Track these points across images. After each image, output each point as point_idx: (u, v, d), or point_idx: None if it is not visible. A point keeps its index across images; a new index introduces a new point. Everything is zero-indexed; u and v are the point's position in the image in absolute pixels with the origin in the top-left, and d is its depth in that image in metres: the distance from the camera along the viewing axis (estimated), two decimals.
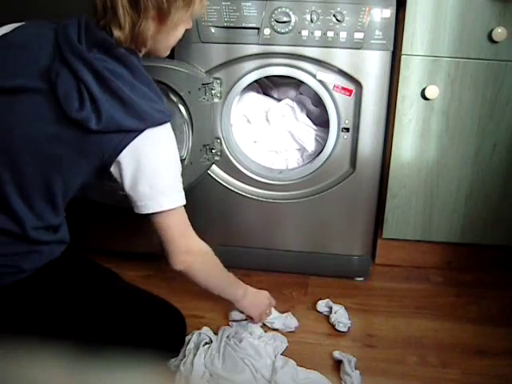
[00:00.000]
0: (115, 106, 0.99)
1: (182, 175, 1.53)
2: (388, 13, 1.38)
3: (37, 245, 1.05)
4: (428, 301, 1.57)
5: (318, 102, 1.57)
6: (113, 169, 1.03)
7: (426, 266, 1.71)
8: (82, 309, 1.11)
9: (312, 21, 1.40)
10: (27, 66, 1.01)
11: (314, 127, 1.64)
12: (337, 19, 1.39)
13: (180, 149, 1.50)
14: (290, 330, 1.42)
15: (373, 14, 1.38)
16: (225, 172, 1.59)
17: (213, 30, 1.44)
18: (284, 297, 1.58)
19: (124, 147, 1.00)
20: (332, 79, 1.46)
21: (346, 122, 1.50)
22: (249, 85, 1.52)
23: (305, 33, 1.41)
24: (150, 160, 1.03)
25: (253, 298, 1.31)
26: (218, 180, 1.59)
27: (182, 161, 1.51)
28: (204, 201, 1.63)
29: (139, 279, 1.61)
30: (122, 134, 1.00)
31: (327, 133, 1.53)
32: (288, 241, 1.65)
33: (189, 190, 1.57)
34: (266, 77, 1.56)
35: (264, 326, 1.42)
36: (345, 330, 1.43)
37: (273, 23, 1.41)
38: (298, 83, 1.63)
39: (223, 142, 1.56)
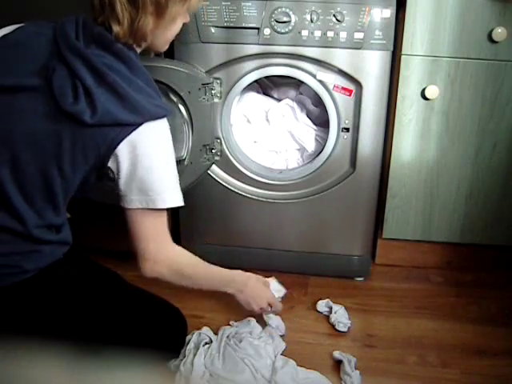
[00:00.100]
0: (111, 100, 0.99)
1: (181, 175, 1.54)
2: (388, 13, 1.38)
3: (39, 244, 1.05)
4: (428, 301, 1.57)
5: (318, 102, 1.57)
6: (110, 163, 1.04)
7: (426, 266, 1.71)
8: (83, 309, 1.11)
9: (312, 21, 1.40)
10: (26, 64, 1.02)
11: (314, 127, 1.64)
12: (337, 19, 1.39)
13: (180, 149, 1.50)
14: (280, 333, 1.40)
15: (373, 13, 1.38)
16: (225, 172, 1.59)
17: (213, 29, 1.44)
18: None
19: (121, 141, 1.00)
20: (332, 79, 1.46)
21: (346, 122, 1.50)
22: (249, 85, 1.52)
23: (305, 33, 1.41)
24: (146, 155, 1.03)
25: (250, 292, 1.29)
26: (218, 180, 1.59)
27: (182, 161, 1.51)
28: (204, 201, 1.63)
29: (139, 279, 1.60)
30: (119, 127, 1.00)
31: (327, 133, 1.53)
32: (288, 241, 1.65)
33: (189, 190, 1.58)
34: (266, 77, 1.56)
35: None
36: (345, 330, 1.43)
37: (273, 23, 1.41)
38: (297, 83, 1.63)
39: (223, 142, 1.56)
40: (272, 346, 1.32)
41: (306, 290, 1.61)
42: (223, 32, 1.44)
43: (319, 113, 1.63)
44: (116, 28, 1.02)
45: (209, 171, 1.58)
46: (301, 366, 1.27)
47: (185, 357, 1.28)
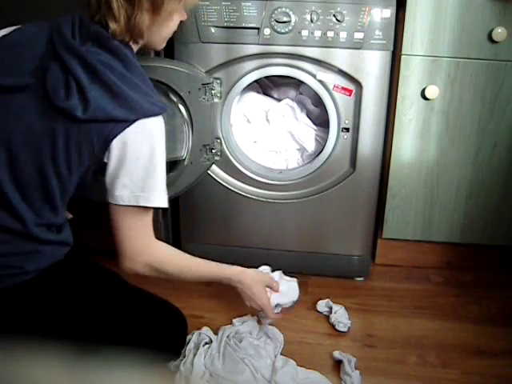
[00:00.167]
0: (104, 96, 0.99)
1: (181, 175, 1.54)
2: (388, 13, 1.38)
3: (39, 244, 1.05)
4: (428, 301, 1.57)
5: (318, 102, 1.57)
6: (105, 159, 1.04)
7: (426, 266, 1.71)
8: (84, 310, 1.11)
9: (312, 21, 1.40)
10: (24, 64, 1.03)
11: (314, 127, 1.64)
12: (337, 19, 1.39)
13: (180, 149, 1.50)
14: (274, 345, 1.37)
15: (373, 13, 1.38)
16: (225, 172, 1.59)
17: (213, 30, 1.44)
18: None
19: (114, 137, 1.01)
20: (332, 79, 1.46)
21: (346, 122, 1.50)
22: (249, 85, 1.52)
23: (305, 33, 1.41)
24: (136, 152, 1.02)
25: (245, 289, 1.29)
26: (218, 180, 1.59)
27: (182, 161, 1.51)
28: (204, 201, 1.63)
29: (139, 279, 1.61)
30: (112, 123, 1.00)
31: (327, 133, 1.53)
32: (288, 241, 1.65)
33: (189, 190, 1.59)
34: (266, 77, 1.56)
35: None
36: (345, 330, 1.43)
37: (273, 23, 1.41)
38: (297, 83, 1.63)
39: (223, 142, 1.56)
40: (272, 346, 1.32)
41: (306, 290, 1.61)
42: (223, 32, 1.44)
43: (319, 113, 1.63)
44: (113, 25, 1.02)
45: (209, 171, 1.58)
46: (301, 366, 1.27)
47: (185, 357, 1.28)
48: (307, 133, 1.63)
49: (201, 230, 1.69)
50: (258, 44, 1.44)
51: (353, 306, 1.53)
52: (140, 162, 1.03)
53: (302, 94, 1.68)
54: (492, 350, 1.37)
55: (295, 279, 1.41)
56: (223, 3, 1.41)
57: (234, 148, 1.58)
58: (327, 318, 1.48)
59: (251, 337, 1.33)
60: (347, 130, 1.50)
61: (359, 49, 1.41)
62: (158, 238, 1.75)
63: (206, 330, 1.36)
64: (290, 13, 1.40)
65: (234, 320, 1.42)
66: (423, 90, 1.46)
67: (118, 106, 1.00)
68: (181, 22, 1.16)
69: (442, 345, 1.39)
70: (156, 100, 1.06)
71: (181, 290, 1.61)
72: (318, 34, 1.41)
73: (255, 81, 1.53)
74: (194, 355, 1.27)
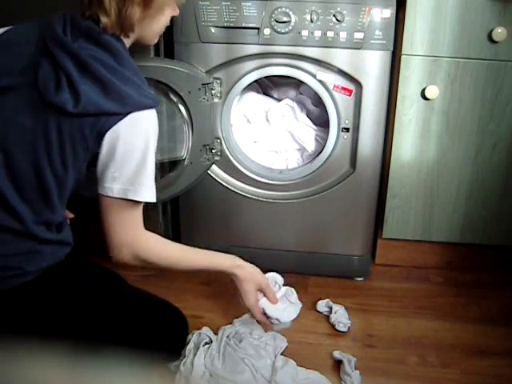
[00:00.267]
0: (95, 90, 0.99)
1: (181, 175, 1.54)
2: (388, 13, 1.38)
3: (39, 243, 1.05)
4: (428, 301, 1.57)
5: (318, 102, 1.57)
6: (99, 152, 1.04)
7: (426, 266, 1.71)
8: (84, 310, 1.11)
9: (312, 21, 1.40)
10: (15, 63, 1.03)
11: (314, 127, 1.64)
12: (337, 19, 1.39)
13: (180, 149, 1.50)
14: (282, 324, 1.37)
15: (373, 14, 1.38)
16: (225, 172, 1.59)
17: (213, 30, 1.44)
18: None
19: (107, 130, 1.01)
20: (332, 79, 1.46)
21: (346, 122, 1.50)
22: (249, 85, 1.52)
23: (305, 33, 1.41)
24: (128, 145, 1.03)
25: (237, 282, 1.30)
26: (218, 180, 1.59)
27: (182, 161, 1.51)
28: (204, 201, 1.63)
29: (139, 279, 1.61)
30: (105, 117, 1.00)
31: (327, 133, 1.53)
32: (288, 241, 1.65)
33: (189, 190, 1.59)
34: (266, 77, 1.56)
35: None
36: (345, 330, 1.43)
37: (273, 23, 1.41)
38: (297, 83, 1.63)
39: (223, 142, 1.56)
40: (272, 346, 1.32)
41: (306, 290, 1.61)
42: (223, 32, 1.44)
43: (319, 113, 1.63)
44: (104, 19, 1.03)
45: (209, 171, 1.58)
46: (301, 366, 1.27)
47: (185, 357, 1.28)
48: (307, 133, 1.63)
49: (201, 230, 1.69)
50: (258, 44, 1.44)
51: (353, 306, 1.52)
52: (132, 156, 1.04)
53: (301, 93, 1.68)
54: (492, 350, 1.37)
55: (301, 304, 1.42)
56: (223, 3, 1.41)
57: (234, 148, 1.58)
58: (327, 317, 1.48)
59: (251, 337, 1.33)
60: (347, 129, 1.50)
61: (359, 49, 1.41)
62: None
63: (206, 330, 1.36)
64: (290, 13, 1.40)
65: (233, 320, 1.42)
66: (423, 89, 1.46)
67: (110, 99, 1.00)
68: (173, 17, 1.17)
69: (442, 345, 1.39)
70: (148, 93, 1.06)
71: (181, 290, 1.61)
72: (317, 34, 1.41)
73: (255, 81, 1.53)
74: (194, 355, 1.27)
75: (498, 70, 1.43)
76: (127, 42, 1.11)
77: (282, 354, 1.31)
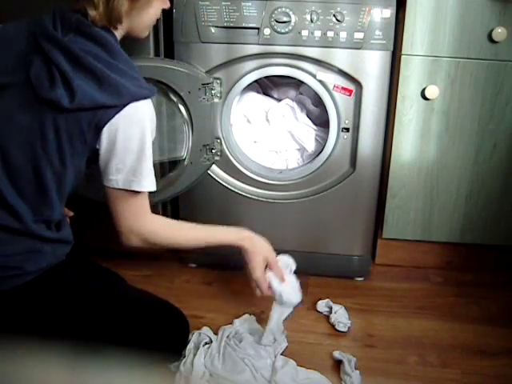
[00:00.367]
0: (89, 83, 0.99)
1: (181, 175, 1.54)
2: (388, 13, 1.38)
3: (39, 242, 1.05)
4: (428, 301, 1.57)
5: (318, 102, 1.57)
6: (98, 146, 1.04)
7: (426, 266, 1.71)
8: (85, 311, 1.11)
9: (312, 21, 1.40)
10: (7, 61, 1.03)
11: (314, 127, 1.64)
12: (337, 19, 1.39)
13: (180, 149, 1.50)
14: (288, 303, 1.32)
15: (373, 13, 1.38)
16: (225, 172, 1.59)
17: (213, 30, 1.44)
18: None
19: (105, 123, 1.01)
20: (332, 79, 1.46)
21: (346, 122, 1.50)
22: (249, 85, 1.52)
23: (305, 33, 1.41)
24: (127, 137, 1.03)
25: (244, 253, 1.29)
26: (218, 180, 1.59)
27: (182, 161, 1.51)
28: (204, 201, 1.63)
29: (139, 279, 1.61)
30: (102, 110, 1.00)
31: (327, 133, 1.53)
32: (288, 241, 1.65)
33: (189, 190, 1.58)
34: (266, 77, 1.56)
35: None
36: (345, 330, 1.43)
37: (273, 23, 1.41)
38: (297, 83, 1.63)
39: (223, 142, 1.56)
40: (272, 346, 1.32)
41: (306, 290, 1.61)
42: (223, 32, 1.44)
43: (319, 113, 1.63)
44: (92, 12, 1.03)
45: (209, 171, 1.58)
46: (301, 366, 1.27)
47: (185, 357, 1.28)
48: (307, 133, 1.63)
49: None
50: (258, 44, 1.44)
51: (353, 306, 1.52)
52: (132, 147, 1.04)
53: (301, 94, 1.68)
54: (492, 350, 1.36)
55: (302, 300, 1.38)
56: (223, 3, 1.41)
57: (234, 148, 1.58)
58: (327, 317, 1.48)
59: (251, 337, 1.33)
60: (347, 129, 1.50)
61: (359, 49, 1.41)
62: None
63: (206, 330, 1.36)
64: (290, 13, 1.40)
65: (234, 320, 1.42)
66: (423, 90, 1.46)
67: (106, 92, 1.00)
68: (164, 10, 1.18)
69: (442, 345, 1.39)
70: (143, 83, 1.06)
71: (181, 290, 1.61)
72: (317, 34, 1.41)
73: (255, 81, 1.53)
74: (194, 355, 1.27)
75: (498, 70, 1.43)
76: (118, 35, 1.10)
77: (282, 354, 1.31)
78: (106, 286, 1.19)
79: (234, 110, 1.57)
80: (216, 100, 1.51)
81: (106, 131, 1.02)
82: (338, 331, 1.43)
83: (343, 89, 1.47)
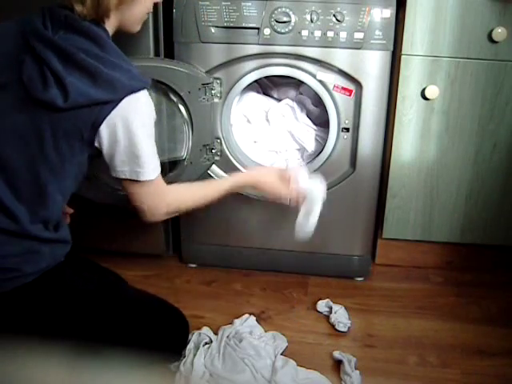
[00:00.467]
0: (82, 80, 0.99)
1: (182, 175, 1.54)
2: (388, 13, 1.38)
3: (37, 243, 1.05)
4: (428, 301, 1.57)
5: (318, 102, 1.57)
6: (96, 143, 1.04)
7: (426, 266, 1.71)
8: (85, 311, 1.11)
9: (312, 21, 1.40)
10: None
11: (314, 127, 1.64)
12: (337, 19, 1.39)
13: (180, 149, 1.50)
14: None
15: (373, 13, 1.38)
16: (225, 172, 1.59)
17: (213, 30, 1.44)
18: (284, 297, 1.58)
19: (102, 120, 1.00)
20: (332, 79, 1.46)
21: (346, 122, 1.50)
22: (249, 85, 1.52)
23: (305, 33, 1.41)
24: (127, 130, 1.03)
25: (264, 188, 1.33)
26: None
27: (182, 161, 1.51)
28: None
29: (139, 279, 1.61)
30: (98, 107, 1.00)
31: (327, 133, 1.53)
32: (288, 241, 1.65)
33: None
34: (266, 77, 1.56)
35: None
36: (345, 330, 1.43)
37: (273, 23, 1.41)
38: (297, 83, 1.63)
39: (223, 142, 1.56)
40: (272, 346, 1.32)
41: (306, 290, 1.61)
42: (223, 32, 1.44)
43: (319, 113, 1.63)
44: (79, 7, 1.02)
45: (209, 171, 1.57)
46: (301, 366, 1.27)
47: (185, 357, 1.28)
48: (307, 133, 1.63)
49: (201, 230, 1.69)
50: (258, 44, 1.44)
51: (353, 306, 1.53)
52: (134, 139, 1.04)
53: (301, 93, 1.68)
54: (492, 350, 1.37)
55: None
56: (223, 3, 1.41)
57: (234, 148, 1.58)
58: (327, 317, 1.48)
59: (251, 337, 1.33)
60: (347, 129, 1.50)
61: (359, 49, 1.41)
62: (157, 237, 1.76)
63: (206, 330, 1.36)
64: (290, 13, 1.40)
65: (234, 320, 1.42)
66: (423, 90, 1.46)
67: (100, 88, 0.99)
68: (155, 4, 1.17)
69: (442, 345, 1.39)
70: (137, 75, 1.05)
71: (181, 290, 1.61)
72: (317, 34, 1.41)
73: (255, 81, 1.53)
74: (194, 355, 1.27)
75: (498, 70, 1.43)
76: (109, 29, 1.09)
77: (282, 354, 1.31)
78: (105, 286, 1.19)
79: (233, 110, 1.57)
80: (216, 100, 1.51)
81: (105, 128, 1.01)
82: (338, 331, 1.43)
83: (343, 89, 1.47)
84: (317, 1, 1.39)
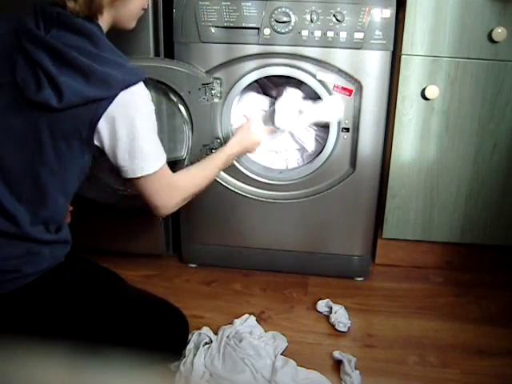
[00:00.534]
0: (75, 79, 0.98)
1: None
2: (388, 13, 1.38)
3: (37, 245, 1.05)
4: (428, 301, 1.57)
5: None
6: (95, 140, 1.03)
7: (426, 266, 1.71)
8: (85, 311, 1.11)
9: (312, 21, 1.40)
10: None
11: (314, 127, 1.64)
12: (337, 19, 1.39)
13: (180, 149, 1.50)
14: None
15: (373, 13, 1.38)
16: (225, 172, 1.59)
17: (213, 30, 1.44)
18: (284, 297, 1.58)
19: (99, 118, 1.00)
20: (332, 79, 1.46)
21: (346, 122, 1.50)
22: (249, 85, 1.52)
23: (305, 33, 1.41)
24: (126, 126, 1.02)
25: (244, 147, 1.41)
26: (219, 180, 1.59)
27: (182, 161, 1.51)
28: (204, 201, 1.63)
29: (139, 279, 1.61)
30: (94, 104, 0.99)
31: (327, 133, 1.53)
32: (288, 241, 1.65)
33: None
34: (266, 77, 1.56)
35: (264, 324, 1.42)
36: (345, 330, 1.43)
37: (273, 23, 1.41)
38: (298, 83, 1.62)
39: (223, 142, 1.56)
40: (272, 346, 1.32)
41: (306, 290, 1.61)
42: (223, 32, 1.44)
43: None
44: (71, 4, 1.01)
45: None
46: (301, 366, 1.27)
47: (185, 357, 1.28)
48: (307, 133, 1.63)
49: (201, 230, 1.69)
50: (258, 44, 1.44)
51: (353, 306, 1.53)
52: (133, 134, 1.03)
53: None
54: (492, 350, 1.37)
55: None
56: (223, 3, 1.41)
57: None
58: (327, 317, 1.48)
59: (251, 337, 1.33)
60: (347, 130, 1.50)
61: (359, 49, 1.41)
62: (157, 237, 1.76)
63: (206, 330, 1.36)
64: (290, 13, 1.40)
65: (234, 320, 1.42)
66: (423, 90, 1.46)
67: (94, 85, 0.98)
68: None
69: (442, 345, 1.39)
70: (131, 69, 1.04)
71: (181, 290, 1.61)
72: (317, 34, 1.41)
73: (255, 81, 1.53)
74: (194, 355, 1.27)
75: (498, 70, 1.43)
76: (103, 25, 1.08)
77: (282, 354, 1.31)
78: (105, 286, 1.19)
79: (233, 110, 1.57)
80: (216, 100, 1.51)
81: (104, 125, 1.01)
82: (338, 331, 1.43)
83: (343, 89, 1.47)
84: (317, 1, 1.39)
